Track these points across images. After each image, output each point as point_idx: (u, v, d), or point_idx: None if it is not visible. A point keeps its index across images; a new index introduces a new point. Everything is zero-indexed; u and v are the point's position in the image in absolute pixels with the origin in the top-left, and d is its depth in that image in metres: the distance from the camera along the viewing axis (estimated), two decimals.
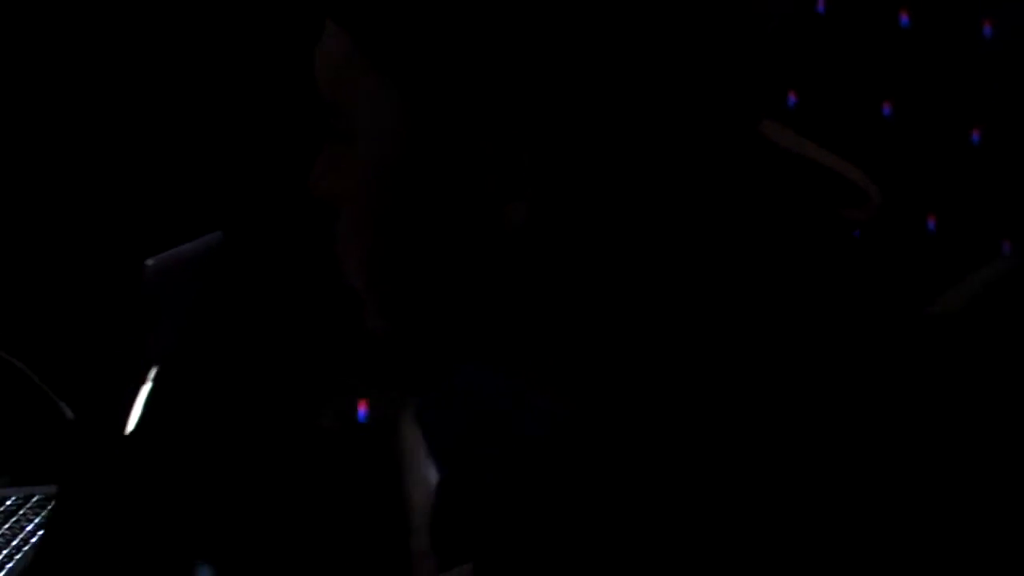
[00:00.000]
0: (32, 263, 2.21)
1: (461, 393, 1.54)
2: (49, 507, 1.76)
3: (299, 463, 2.20)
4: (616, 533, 0.86)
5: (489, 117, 0.88)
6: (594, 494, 0.87)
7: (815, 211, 0.97)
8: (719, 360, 0.88)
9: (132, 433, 1.48)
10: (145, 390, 1.50)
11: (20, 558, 1.58)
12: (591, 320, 0.91)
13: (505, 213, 0.90)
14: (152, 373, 1.49)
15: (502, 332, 0.94)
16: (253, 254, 2.07)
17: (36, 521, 1.70)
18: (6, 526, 1.69)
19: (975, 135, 2.38)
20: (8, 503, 1.78)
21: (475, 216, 0.91)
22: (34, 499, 1.80)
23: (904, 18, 2.27)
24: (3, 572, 1.53)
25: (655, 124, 0.90)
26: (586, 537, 0.88)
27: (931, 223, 2.37)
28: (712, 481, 0.84)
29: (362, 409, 2.34)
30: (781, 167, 0.95)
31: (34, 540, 1.63)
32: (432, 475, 2.08)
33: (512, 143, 0.88)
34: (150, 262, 1.30)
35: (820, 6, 2.17)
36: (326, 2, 0.97)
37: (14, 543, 1.63)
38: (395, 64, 0.90)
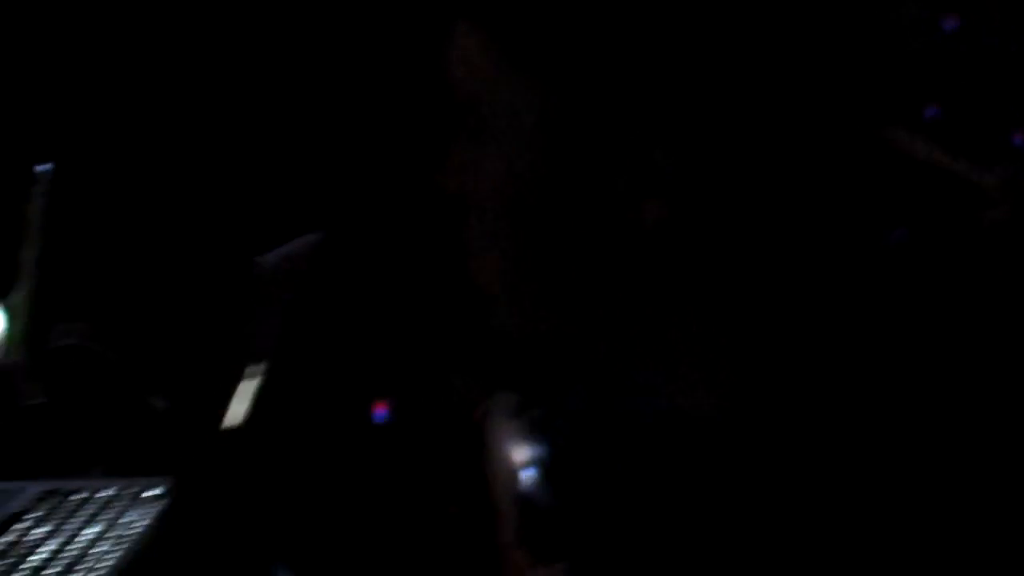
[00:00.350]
0: (130, 258, 2.22)
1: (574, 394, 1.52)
2: (144, 499, 1.76)
3: (382, 458, 2.20)
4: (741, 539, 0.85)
5: (626, 115, 0.87)
6: (734, 493, 0.86)
7: (950, 213, 0.95)
8: (852, 356, 0.87)
9: (240, 428, 1.48)
10: (252, 385, 1.51)
11: (117, 551, 1.58)
12: (727, 319, 0.89)
13: (640, 211, 0.89)
14: (260, 368, 1.49)
15: (632, 333, 0.93)
16: (353, 253, 2.07)
17: (132, 513, 1.71)
18: (103, 518, 1.69)
19: None
20: (102, 495, 1.79)
21: (610, 214, 0.90)
22: (129, 491, 1.81)
23: None
24: (102, 565, 1.53)
25: (789, 124, 0.89)
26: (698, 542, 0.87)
27: None
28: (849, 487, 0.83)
29: (379, 410, 2.33)
30: (912, 172, 0.94)
31: (130, 532, 1.64)
32: (520, 470, 2.07)
33: (647, 141, 0.88)
34: (261, 259, 1.29)
35: (951, 24, 2.14)
36: (458, 1, 0.96)
37: (111, 535, 1.63)
38: (535, 63, 0.89)
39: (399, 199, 2.08)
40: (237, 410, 1.50)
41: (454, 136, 0.97)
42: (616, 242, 0.90)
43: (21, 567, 1.52)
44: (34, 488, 1.82)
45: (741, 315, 0.90)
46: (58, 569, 1.52)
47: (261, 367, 1.52)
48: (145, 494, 1.79)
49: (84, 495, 1.79)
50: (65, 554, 1.57)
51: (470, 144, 0.95)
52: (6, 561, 1.53)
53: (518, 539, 1.94)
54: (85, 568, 1.52)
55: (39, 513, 1.72)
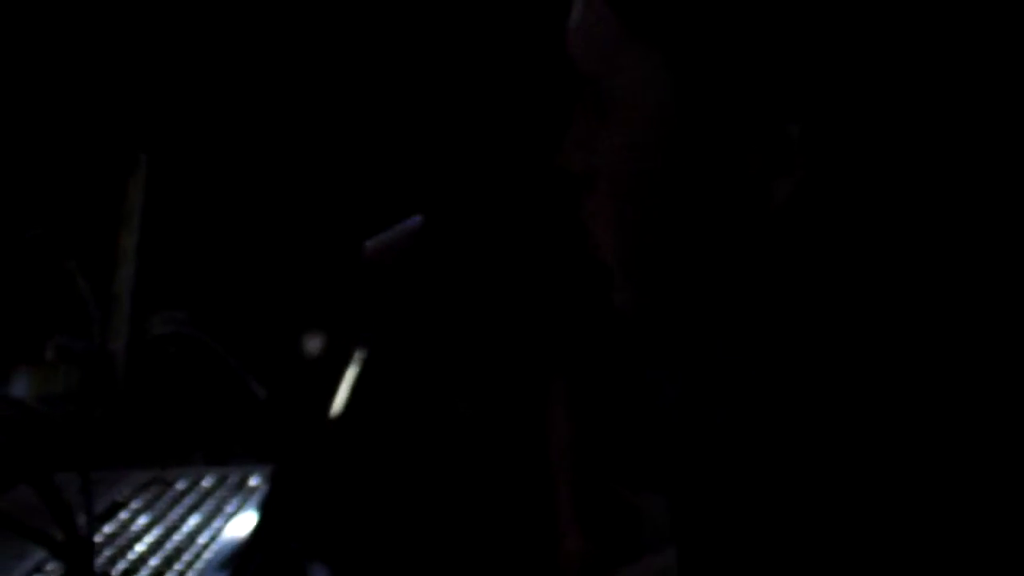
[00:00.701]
0: (232, 245, 2.21)
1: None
2: (246, 487, 1.75)
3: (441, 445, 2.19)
4: None
5: (758, 85, 0.84)
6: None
7: None
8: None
9: (339, 416, 1.46)
10: (352, 373, 1.48)
11: (221, 538, 1.57)
12: (855, 302, 0.86)
13: (770, 189, 0.86)
14: (360, 356, 1.47)
15: (756, 312, 0.90)
16: (452, 238, 2.05)
17: (234, 502, 1.69)
18: (205, 507, 1.68)
19: None
20: (205, 483, 1.78)
21: (738, 191, 0.86)
22: (228, 479, 1.79)
23: None
24: (206, 552, 1.52)
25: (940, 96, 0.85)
26: None
27: None
28: None
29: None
30: None
31: (234, 520, 1.62)
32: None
33: (781, 116, 0.84)
34: (369, 243, 1.27)
35: None
36: None
37: (215, 524, 1.61)
38: (659, 34, 0.86)
39: (515, 178, 2.06)
40: (342, 397, 1.48)
41: (575, 112, 0.94)
42: (743, 221, 0.86)
43: (125, 556, 1.51)
44: (136, 476, 1.81)
45: (872, 304, 0.86)
46: (161, 559, 1.51)
47: (364, 353, 1.50)
48: (247, 482, 1.78)
49: (186, 483, 1.78)
50: (168, 543, 1.56)
51: (591, 120, 0.92)
52: (110, 550, 1.52)
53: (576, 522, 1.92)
54: (188, 558, 1.51)
55: (141, 501, 1.71)
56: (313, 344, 1.72)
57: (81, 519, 1.28)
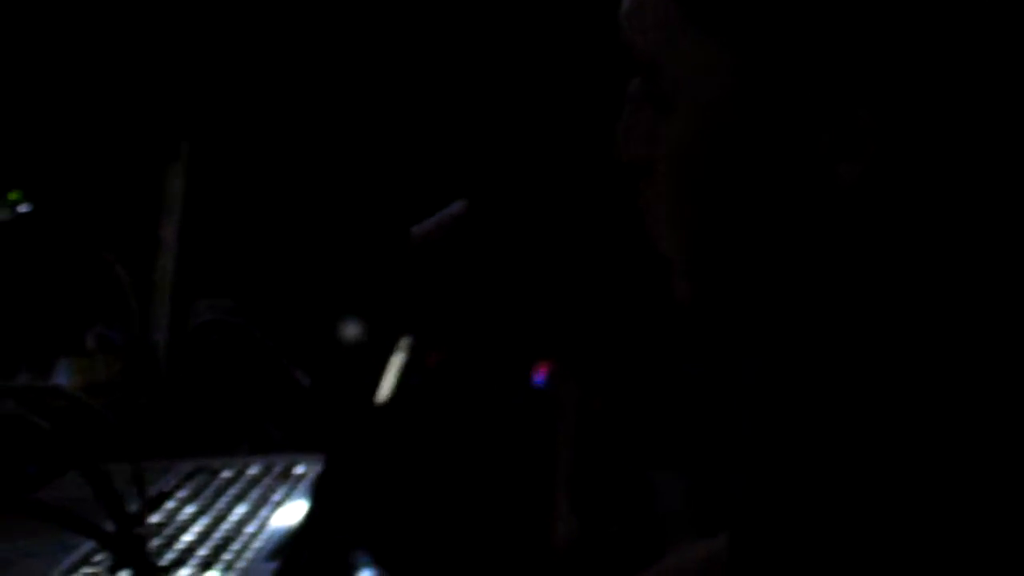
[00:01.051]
0: (275, 233, 2.20)
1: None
2: (293, 476, 1.74)
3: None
4: None
5: (824, 72, 0.82)
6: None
7: None
8: None
9: (386, 403, 1.45)
10: (400, 359, 1.47)
11: (269, 527, 1.56)
12: (928, 291, 0.84)
13: (836, 174, 0.84)
14: (409, 342, 1.46)
15: (825, 300, 0.88)
16: (494, 223, 2.03)
17: (281, 491, 1.68)
18: (252, 496, 1.67)
19: None
20: (252, 471, 1.77)
21: (802, 177, 0.84)
22: (274, 468, 1.79)
23: None
24: (255, 542, 1.51)
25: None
26: None
27: None
28: None
29: (539, 374, 2.31)
30: None
31: (281, 509, 1.61)
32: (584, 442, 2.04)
33: (849, 99, 0.82)
34: (416, 229, 1.26)
35: None
36: None
37: (262, 513, 1.60)
38: (721, 20, 0.84)
39: (568, 167, 2.05)
40: (388, 385, 1.47)
41: (630, 100, 0.92)
42: (808, 207, 0.85)
43: (173, 546, 1.50)
44: (181, 466, 1.81)
45: (944, 291, 0.84)
46: (209, 548, 1.50)
47: (410, 340, 1.49)
48: (293, 471, 1.77)
49: (232, 473, 1.77)
50: (216, 533, 1.55)
51: (649, 108, 0.90)
52: (157, 540, 1.51)
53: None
54: (237, 547, 1.50)
55: (187, 491, 1.70)
56: (355, 331, 1.71)
57: (130, 509, 1.27)
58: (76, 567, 1.43)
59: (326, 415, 1.81)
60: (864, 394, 0.86)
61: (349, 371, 1.57)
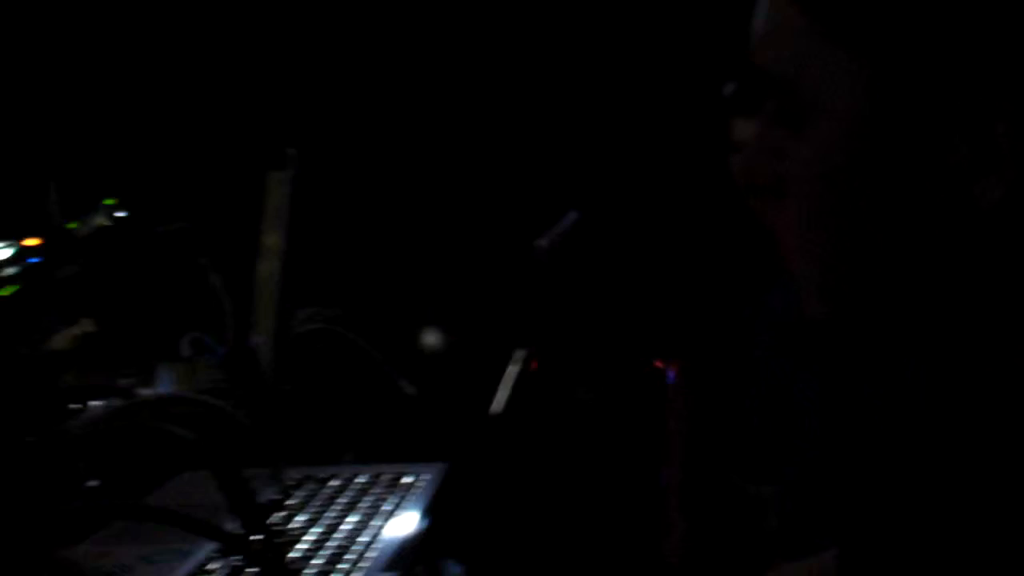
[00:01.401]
0: (383, 243, 2.20)
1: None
2: (402, 485, 1.73)
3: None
4: None
5: (961, 83, 0.80)
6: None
7: None
8: None
9: (505, 413, 1.44)
10: (515, 370, 1.47)
11: (383, 538, 1.55)
12: None
13: (975, 190, 0.82)
14: (525, 353, 1.45)
15: (968, 319, 0.86)
16: (607, 233, 2.03)
17: (391, 500, 1.67)
18: (362, 506, 1.66)
19: None
20: (360, 480, 1.76)
21: (939, 194, 0.83)
22: (382, 477, 1.78)
23: None
24: (370, 552, 1.50)
25: None
26: None
27: None
28: None
29: (672, 372, 2.30)
30: None
31: (393, 519, 1.60)
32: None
33: (986, 113, 0.80)
34: (541, 242, 1.25)
35: None
36: None
37: (374, 523, 1.60)
38: (854, 35, 0.83)
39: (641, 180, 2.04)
40: (503, 395, 1.46)
41: (760, 119, 0.91)
42: (947, 224, 0.83)
43: (289, 555, 1.50)
44: (287, 474, 1.80)
45: None
46: (325, 558, 1.49)
47: (525, 352, 1.48)
48: (402, 480, 1.75)
49: (340, 481, 1.77)
50: (330, 542, 1.54)
51: (780, 126, 0.89)
52: (272, 547, 1.50)
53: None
54: (352, 557, 1.49)
55: (296, 500, 1.69)
56: (455, 341, 1.70)
57: (254, 516, 1.27)
58: (194, 574, 1.43)
59: (436, 425, 1.80)
60: (1010, 415, 0.84)
61: (464, 381, 1.56)
